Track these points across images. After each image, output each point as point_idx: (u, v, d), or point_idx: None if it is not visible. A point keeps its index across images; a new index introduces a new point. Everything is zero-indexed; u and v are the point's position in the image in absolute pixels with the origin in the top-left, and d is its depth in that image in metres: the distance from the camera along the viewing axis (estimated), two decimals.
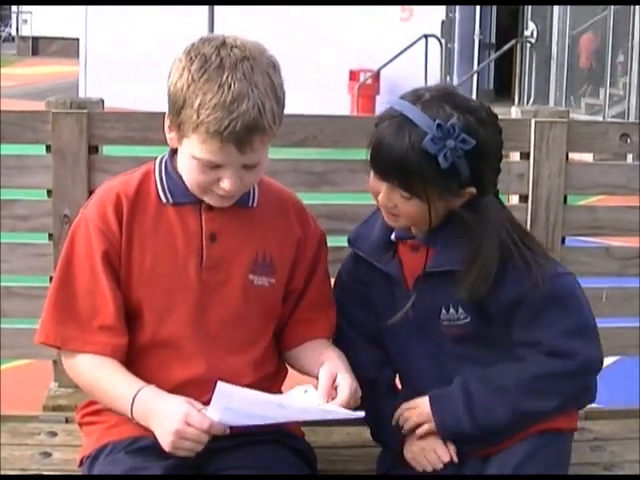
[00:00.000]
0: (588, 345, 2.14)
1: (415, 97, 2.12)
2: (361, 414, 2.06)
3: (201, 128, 2.04)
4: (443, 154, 2.05)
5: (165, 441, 2.02)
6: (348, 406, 2.06)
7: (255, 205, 2.26)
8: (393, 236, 2.25)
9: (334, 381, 2.09)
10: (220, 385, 1.96)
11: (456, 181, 2.10)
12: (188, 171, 2.14)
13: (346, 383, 2.08)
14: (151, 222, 2.19)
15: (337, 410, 2.03)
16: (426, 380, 2.25)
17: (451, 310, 2.17)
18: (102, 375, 2.15)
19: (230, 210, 2.20)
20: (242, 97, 2.03)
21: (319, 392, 2.07)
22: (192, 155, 2.10)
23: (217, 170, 2.10)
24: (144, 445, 2.10)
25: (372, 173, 2.16)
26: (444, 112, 2.08)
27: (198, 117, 2.04)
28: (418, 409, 2.20)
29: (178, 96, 2.08)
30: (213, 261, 2.19)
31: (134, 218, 2.19)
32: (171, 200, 2.20)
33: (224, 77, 2.04)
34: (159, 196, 2.21)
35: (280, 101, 2.11)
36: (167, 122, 2.16)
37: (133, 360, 2.19)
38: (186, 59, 2.09)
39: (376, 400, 2.26)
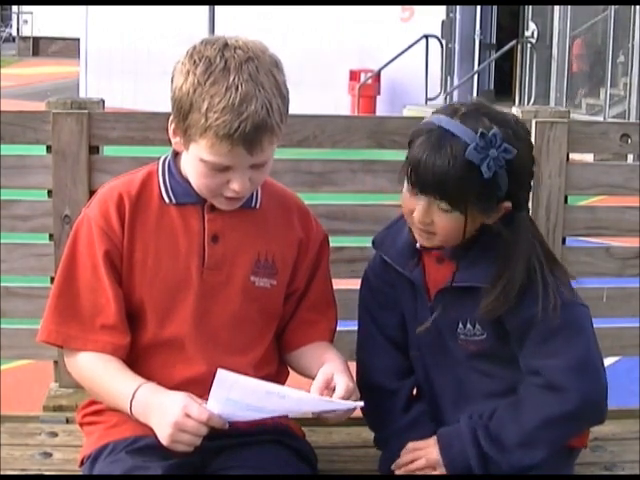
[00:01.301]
0: (585, 382, 2.09)
1: (451, 111, 2.10)
2: (360, 404, 2.06)
3: (209, 132, 2.03)
4: (486, 164, 2.02)
5: (163, 434, 2.01)
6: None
7: (258, 206, 2.25)
8: (418, 244, 2.22)
9: (330, 382, 2.09)
10: (220, 373, 1.95)
11: (495, 194, 2.08)
12: (196, 175, 2.14)
13: (342, 383, 2.08)
14: (153, 222, 2.19)
15: (337, 401, 2.03)
16: (442, 391, 2.26)
17: (468, 325, 2.16)
18: (102, 372, 2.16)
19: (233, 211, 2.19)
20: (250, 98, 2.02)
21: (312, 390, 2.08)
22: (200, 158, 2.09)
23: (226, 173, 2.09)
24: (145, 445, 2.10)
25: (406, 190, 2.13)
26: (483, 124, 2.05)
27: (206, 121, 2.03)
28: (427, 450, 2.18)
29: (184, 100, 2.07)
30: (214, 262, 2.19)
31: (136, 218, 2.19)
32: (174, 200, 2.20)
33: (230, 79, 2.03)
34: (162, 196, 2.21)
35: (285, 99, 2.11)
36: (172, 127, 2.15)
37: (135, 359, 2.19)
38: (189, 62, 2.08)
39: (391, 412, 2.26)
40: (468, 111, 2.09)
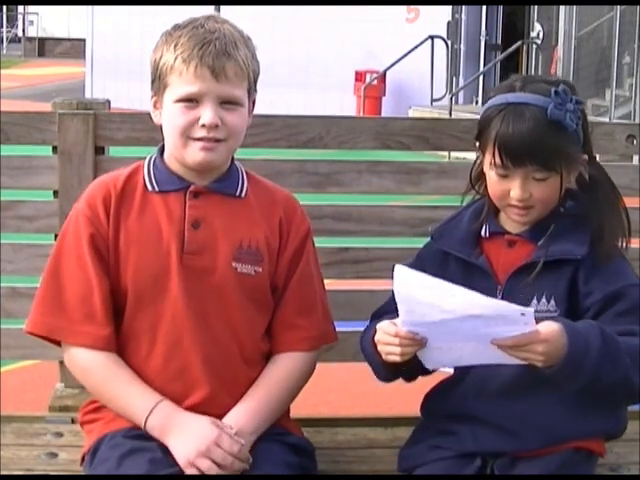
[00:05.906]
0: None
1: (509, 88, 2.19)
2: (530, 310, 1.97)
3: (178, 61, 2.16)
4: (568, 117, 2.12)
5: (186, 456, 2.07)
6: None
7: (244, 195, 2.28)
8: (483, 232, 2.25)
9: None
10: (397, 269, 1.98)
11: (578, 146, 2.17)
12: (170, 123, 2.20)
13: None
14: (137, 210, 2.23)
15: (503, 303, 2.00)
16: (471, 377, 2.20)
17: (543, 300, 2.17)
18: (112, 379, 2.18)
19: (216, 198, 2.23)
20: (214, 31, 2.18)
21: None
22: (172, 99, 2.18)
23: (196, 108, 2.16)
24: (142, 433, 2.14)
25: (495, 175, 2.17)
26: (545, 87, 2.14)
27: (174, 52, 2.17)
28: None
29: (157, 53, 2.21)
30: (194, 247, 2.20)
31: (121, 206, 2.22)
32: (157, 188, 2.24)
33: (197, 23, 2.21)
34: (145, 185, 2.25)
35: (254, 56, 2.24)
36: (152, 100, 2.25)
37: (124, 345, 2.21)
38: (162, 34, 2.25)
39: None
40: (523, 83, 2.18)
